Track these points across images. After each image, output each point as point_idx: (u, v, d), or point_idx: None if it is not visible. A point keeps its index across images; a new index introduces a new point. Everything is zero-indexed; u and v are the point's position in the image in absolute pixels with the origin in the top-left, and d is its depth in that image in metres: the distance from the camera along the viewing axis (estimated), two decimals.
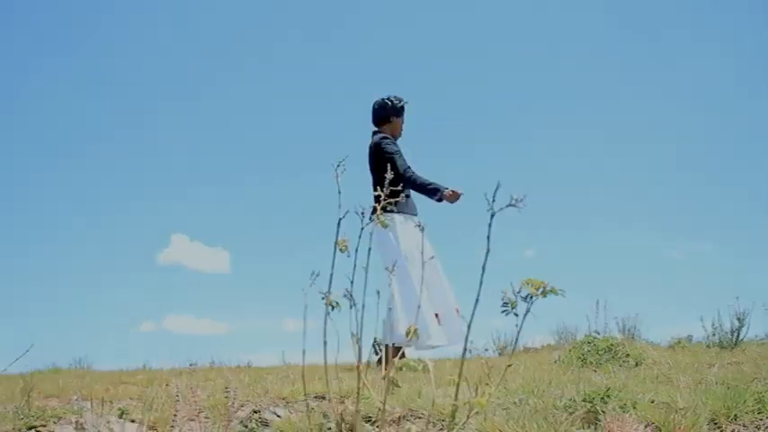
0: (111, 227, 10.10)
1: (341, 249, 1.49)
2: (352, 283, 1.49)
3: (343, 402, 2.56)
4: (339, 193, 1.46)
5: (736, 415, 2.06)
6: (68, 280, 9.46)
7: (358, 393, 1.48)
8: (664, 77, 10.09)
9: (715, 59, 9.65)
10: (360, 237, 1.50)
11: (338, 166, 1.46)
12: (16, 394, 3.37)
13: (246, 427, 2.75)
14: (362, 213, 1.51)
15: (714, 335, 4.20)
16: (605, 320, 5.02)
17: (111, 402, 3.42)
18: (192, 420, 2.93)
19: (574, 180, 10.22)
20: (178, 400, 2.54)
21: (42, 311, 8.80)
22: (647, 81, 10.08)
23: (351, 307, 1.48)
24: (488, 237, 1.22)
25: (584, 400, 2.07)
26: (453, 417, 1.33)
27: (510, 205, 1.18)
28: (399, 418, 2.56)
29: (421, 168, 4.37)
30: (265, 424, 2.92)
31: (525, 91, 10.59)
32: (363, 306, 1.43)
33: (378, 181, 4.41)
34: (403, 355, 3.96)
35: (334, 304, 1.41)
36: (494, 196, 1.17)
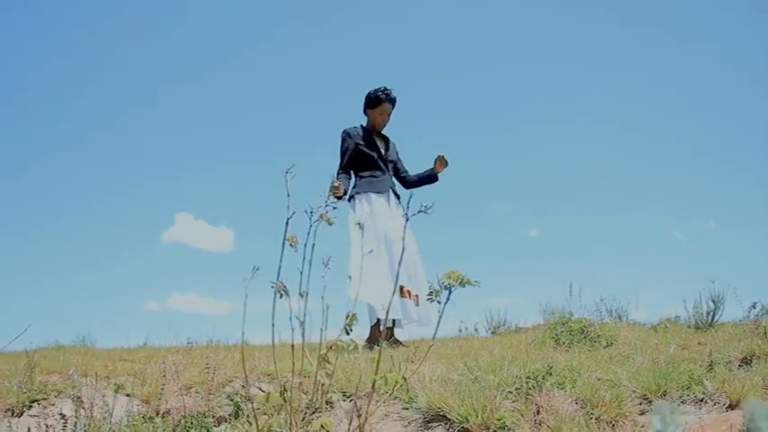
0: (116, 206, 10.44)
1: (291, 244, 1.77)
2: (301, 273, 1.78)
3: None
4: (288, 195, 1.74)
5: (665, 390, 2.34)
6: (73, 259, 9.83)
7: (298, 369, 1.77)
8: (667, 61, 10.21)
9: (718, 43, 9.76)
10: (308, 233, 1.78)
11: (287, 172, 1.73)
12: (20, 370, 3.69)
13: (232, 400, 3.07)
14: (311, 212, 1.80)
15: (691, 317, 4.47)
16: (590, 302, 5.31)
17: (107, 378, 3.76)
18: (183, 395, 3.26)
19: (579, 162, 10.42)
20: (164, 376, 2.85)
21: (48, 290, 9.18)
22: (651, 64, 10.21)
23: (300, 295, 1.77)
24: (403, 237, 1.49)
25: (527, 378, 2.35)
26: (373, 388, 1.60)
27: (420, 212, 1.45)
28: (368, 393, 2.86)
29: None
30: (249, 398, 3.22)
31: (538, 78, 10.77)
32: (307, 293, 1.71)
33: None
34: (391, 333, 4.28)
35: (282, 292, 1.70)
36: (408, 203, 1.43)
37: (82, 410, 2.85)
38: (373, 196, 4.65)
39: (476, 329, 5.97)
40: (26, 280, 9.31)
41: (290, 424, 1.59)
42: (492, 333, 6.42)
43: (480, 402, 2.02)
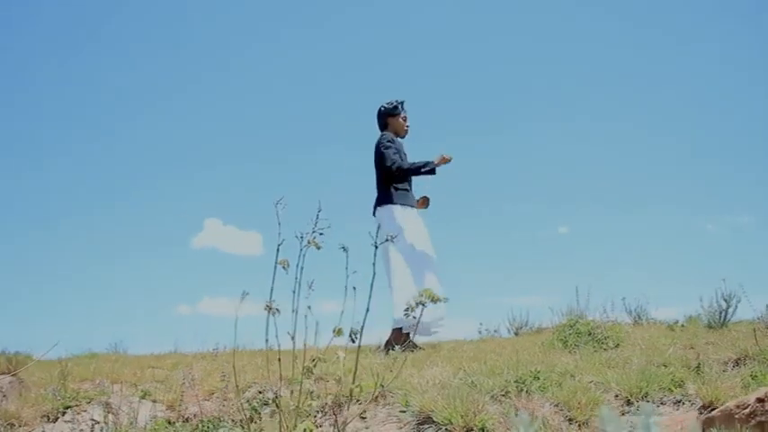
0: (146, 213, 10.90)
1: (283, 267, 2.04)
2: (294, 292, 2.04)
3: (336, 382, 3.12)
4: (279, 224, 2.00)
5: (646, 393, 2.55)
6: (105, 265, 10.32)
7: (302, 381, 2.04)
8: (694, 52, 10.24)
9: (732, 33, 9.76)
10: (300, 256, 2.05)
11: (277, 203, 1.99)
12: (54, 378, 4.03)
13: (250, 404, 3.35)
14: (301, 237, 2.06)
15: (703, 316, 4.62)
16: (611, 301, 5.49)
17: (135, 385, 4.09)
18: (206, 401, 3.57)
19: (609, 158, 10.53)
20: (183, 383, 3.16)
21: (80, 297, 9.66)
22: (679, 55, 10.25)
23: (292, 311, 2.03)
24: (374, 264, 1.74)
25: (515, 382, 2.59)
26: (351, 396, 1.86)
27: (386, 240, 1.70)
28: (377, 396, 3.11)
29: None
30: (266, 402, 3.49)
31: (569, 76, 10.91)
32: (297, 310, 1.97)
33: (378, 176, 4.99)
34: (408, 338, 4.56)
35: (276, 310, 1.96)
36: (377, 233, 1.69)
37: (111, 416, 3.17)
38: (409, 209, 4.93)
39: (495, 331, 6.17)
40: (58, 287, 9.81)
41: (281, 428, 1.85)
42: (515, 334, 6.62)
43: (465, 406, 2.26)
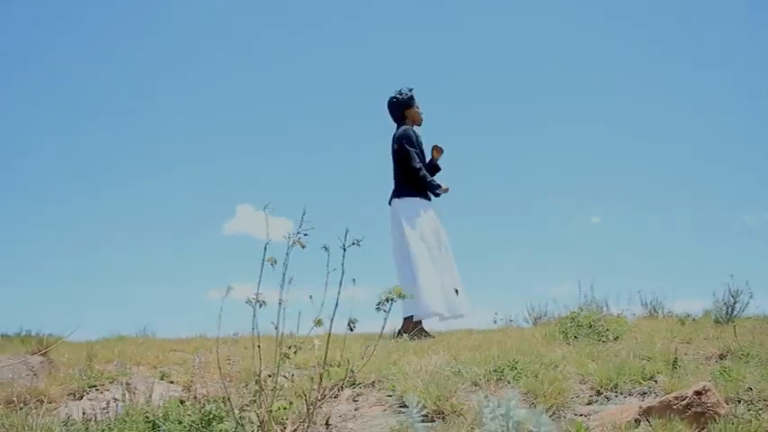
0: (179, 199, 11.39)
1: (271, 264, 2.34)
2: (281, 287, 2.35)
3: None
4: (267, 225, 2.30)
5: (616, 384, 2.79)
6: (138, 251, 10.84)
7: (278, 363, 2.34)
8: (722, 43, 10.20)
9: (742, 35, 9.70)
10: (287, 254, 2.35)
11: (265, 207, 2.29)
12: (81, 359, 4.43)
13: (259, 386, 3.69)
14: (289, 238, 2.36)
15: (710, 311, 4.81)
16: (629, 294, 5.70)
17: (155, 367, 4.48)
18: (218, 382, 3.91)
19: (643, 148, 10.60)
20: (195, 366, 3.51)
21: (114, 282, 10.20)
22: (709, 46, 10.23)
23: (279, 304, 2.34)
24: (343, 270, 2.03)
25: (494, 371, 2.86)
26: (321, 380, 2.15)
27: (353, 244, 1.98)
28: (373, 382, 3.42)
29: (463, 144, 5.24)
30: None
31: (600, 71, 10.98)
32: (281, 303, 2.27)
33: (397, 169, 5.30)
34: (418, 325, 4.86)
35: (261, 302, 2.27)
36: (345, 236, 1.97)
37: (129, 395, 3.52)
38: (426, 202, 5.25)
39: (511, 320, 6.43)
40: (93, 272, 10.36)
41: (261, 405, 2.16)
42: (533, 324, 6.86)
43: (439, 392, 2.54)
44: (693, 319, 5.18)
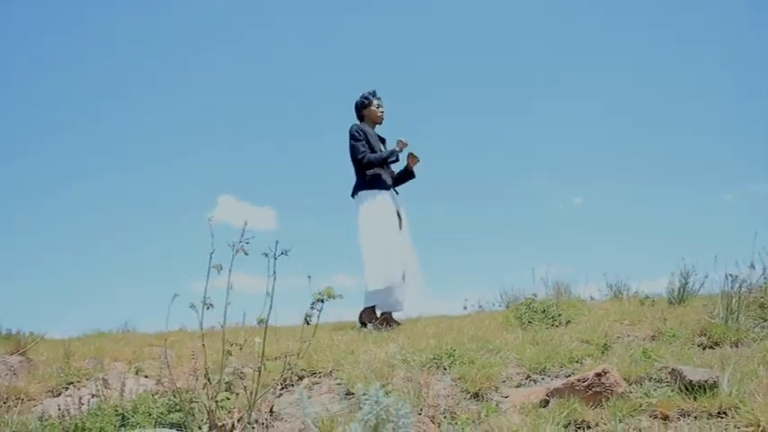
0: (159, 190, 11.69)
1: (217, 270, 2.68)
2: (229, 288, 2.68)
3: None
4: (212, 236, 2.63)
5: (545, 367, 3.15)
6: (118, 244, 11.16)
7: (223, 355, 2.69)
8: (714, 26, 10.50)
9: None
10: (232, 260, 2.68)
11: (209, 219, 2.63)
12: (60, 357, 4.76)
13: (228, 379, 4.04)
14: (234, 245, 2.69)
15: (664, 291, 5.18)
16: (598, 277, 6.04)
17: (129, 363, 4.82)
18: (190, 376, 4.26)
19: (626, 128, 10.94)
20: (165, 360, 3.85)
21: (94, 276, 10.51)
22: (700, 30, 10.53)
23: (226, 305, 2.68)
24: (274, 275, 2.36)
25: (433, 358, 3.21)
26: (260, 371, 2.49)
27: (282, 254, 2.32)
28: (331, 371, 3.77)
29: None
30: (242, 377, 4.16)
31: (583, 53, 11.27)
32: (228, 304, 2.61)
33: (352, 165, 5.66)
34: (383, 315, 5.21)
35: (209, 305, 2.61)
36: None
37: (104, 390, 3.86)
38: (378, 193, 5.56)
39: (480, 306, 6.79)
40: (71, 266, 10.67)
41: (209, 396, 2.51)
42: (506, 307, 7.22)
43: (376, 379, 2.90)
44: (653, 301, 5.53)
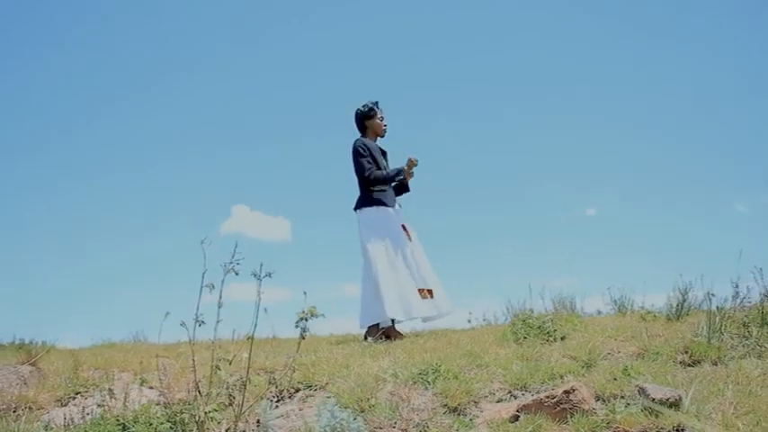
0: (174, 200, 12.03)
1: (209, 289, 2.91)
2: (219, 307, 2.92)
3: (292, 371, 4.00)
4: (204, 257, 2.87)
5: (527, 383, 3.34)
6: (132, 253, 11.48)
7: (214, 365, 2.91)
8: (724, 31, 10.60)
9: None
10: (223, 280, 2.92)
11: (202, 242, 2.86)
12: (69, 367, 5.03)
13: (229, 392, 4.27)
14: (226, 266, 2.93)
15: (662, 307, 5.34)
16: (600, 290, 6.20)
17: (136, 374, 5.07)
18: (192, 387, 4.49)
19: (641, 140, 11.07)
20: (163, 373, 4.09)
21: (108, 284, 10.85)
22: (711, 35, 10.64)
23: (217, 320, 2.91)
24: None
25: (419, 373, 3.42)
26: (245, 385, 2.72)
27: (267, 275, 2.55)
28: (326, 383, 3.99)
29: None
30: (232, 390, 4.37)
31: (596, 61, 11.42)
32: (219, 321, 2.84)
33: (357, 179, 5.87)
34: (383, 329, 5.42)
35: (201, 322, 2.84)
36: (260, 268, 2.53)
37: (110, 400, 4.11)
38: (386, 210, 5.78)
39: (485, 319, 6.97)
40: (88, 274, 11.01)
41: (199, 409, 2.74)
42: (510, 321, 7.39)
43: (362, 393, 3.11)
44: (654, 316, 5.68)
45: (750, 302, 4.60)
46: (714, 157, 10.87)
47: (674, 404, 2.60)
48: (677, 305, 5.16)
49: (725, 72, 10.84)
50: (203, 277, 2.88)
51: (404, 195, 6.13)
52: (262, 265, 2.64)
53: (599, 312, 7.18)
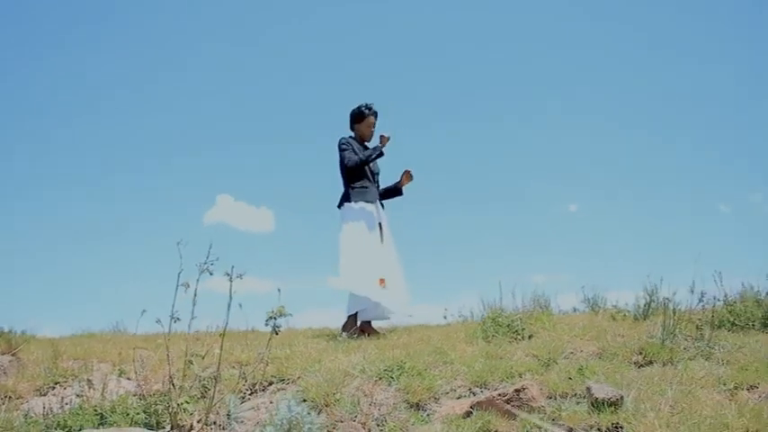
0: (158, 188, 12.22)
1: (184, 288, 3.15)
2: (193, 305, 3.15)
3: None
4: (180, 258, 3.10)
5: (485, 381, 3.60)
6: (115, 242, 11.68)
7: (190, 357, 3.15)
8: (707, 38, 10.88)
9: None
10: (198, 279, 3.15)
11: (178, 243, 3.10)
12: (48, 357, 5.24)
13: (203, 384, 4.51)
14: (200, 266, 3.16)
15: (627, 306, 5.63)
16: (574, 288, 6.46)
17: (114, 365, 5.29)
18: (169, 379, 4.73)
19: (623, 138, 11.35)
20: (140, 364, 4.32)
21: (91, 274, 11.04)
22: (693, 39, 10.91)
23: (191, 317, 3.15)
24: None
25: (385, 370, 3.68)
26: (215, 380, 2.96)
27: (239, 276, 2.78)
28: (299, 377, 4.23)
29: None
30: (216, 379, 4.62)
31: (579, 60, 11.68)
32: (193, 318, 3.07)
33: (341, 176, 6.13)
34: (363, 324, 5.67)
35: (177, 318, 3.08)
36: (232, 270, 2.77)
37: (91, 391, 4.33)
38: (364, 205, 6.03)
39: (461, 315, 7.22)
40: (68, 264, 11.20)
41: (172, 401, 2.99)
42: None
43: (328, 388, 3.37)
44: (624, 315, 5.95)
45: (712, 305, 4.89)
46: (699, 157, 11.18)
47: (615, 403, 2.86)
48: (644, 305, 5.43)
49: (711, 73, 11.13)
50: (179, 277, 3.11)
51: (396, 199, 6.41)
52: (233, 267, 2.88)
53: (575, 310, 7.46)
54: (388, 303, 5.94)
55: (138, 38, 12.35)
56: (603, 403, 2.87)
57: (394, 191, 6.37)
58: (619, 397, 2.88)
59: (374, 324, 6.20)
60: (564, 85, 12.22)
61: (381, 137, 6.00)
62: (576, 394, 3.27)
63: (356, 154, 6.03)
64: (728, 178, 10.86)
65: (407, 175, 6.26)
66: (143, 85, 12.49)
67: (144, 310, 2.97)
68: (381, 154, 6.05)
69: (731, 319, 4.77)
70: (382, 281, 5.95)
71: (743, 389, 3.25)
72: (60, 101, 12.19)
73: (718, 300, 4.74)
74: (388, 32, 12.36)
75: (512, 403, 2.94)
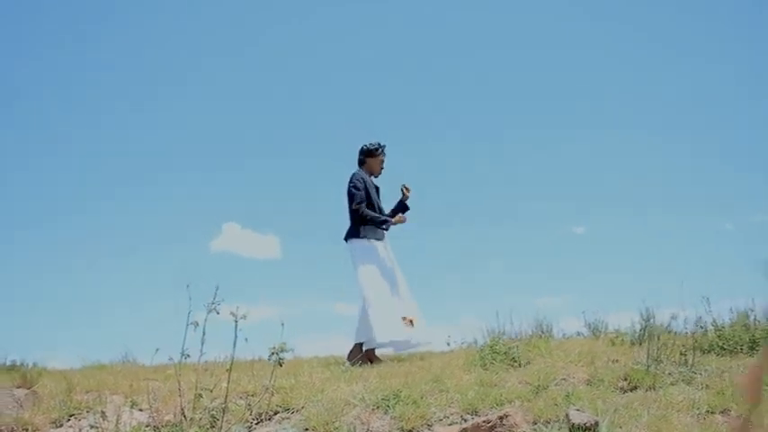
0: (165, 216, 12.64)
1: (194, 326, 3.53)
2: (202, 344, 3.53)
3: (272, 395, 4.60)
4: (190, 299, 3.48)
5: (476, 409, 3.95)
6: (121, 271, 12.08)
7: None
8: (712, 51, 11.24)
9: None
10: (206, 319, 3.53)
11: (187, 286, 3.48)
12: (62, 390, 5.61)
13: (212, 414, 4.88)
14: (209, 305, 3.55)
15: (627, 330, 5.96)
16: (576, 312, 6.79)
17: (126, 396, 5.66)
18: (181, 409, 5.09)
19: (628, 158, 11.70)
20: (153, 396, 4.70)
21: (99, 304, 11.43)
22: (698, 56, 11.27)
23: (200, 354, 3.53)
24: (236, 335, 3.20)
25: (382, 399, 4.03)
26: (224, 412, 3.33)
27: (242, 317, 3.16)
28: (303, 406, 4.59)
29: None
30: (224, 411, 4.96)
31: (584, 81, 12.05)
32: (203, 353, 3.44)
33: (348, 210, 6.57)
34: (362, 353, 6.07)
35: (187, 355, 3.46)
36: (236, 310, 3.15)
37: (105, 422, 4.70)
38: (375, 242, 6.48)
39: (464, 341, 7.57)
40: (76, 293, 11.59)
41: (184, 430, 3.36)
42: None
43: (328, 416, 3.73)
44: (623, 340, 6.29)
45: (704, 329, 5.24)
46: (704, 177, 11.50)
47: (590, 429, 3.21)
48: (640, 330, 5.77)
49: (711, 73, 11.45)
50: (189, 315, 3.49)
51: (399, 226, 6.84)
52: (238, 307, 3.25)
53: (578, 334, 7.80)
54: (416, 339, 6.40)
55: (138, 48, 12.81)
56: (580, 429, 3.21)
57: (401, 207, 6.80)
58: (594, 423, 3.23)
59: (378, 352, 6.59)
60: (566, 98, 12.58)
61: (404, 189, 6.50)
62: (558, 420, 3.61)
63: (368, 194, 6.48)
64: (732, 197, 11.17)
65: (406, 189, 6.70)
66: (145, 112, 12.94)
67: (157, 349, 3.33)
68: (406, 207, 6.58)
69: (720, 344, 5.09)
70: (408, 320, 6.43)
71: (716, 413, 3.59)
72: (63, 129, 12.65)
73: (707, 325, 5.06)
74: (397, 43, 12.76)
75: (495, 429, 3.28)
